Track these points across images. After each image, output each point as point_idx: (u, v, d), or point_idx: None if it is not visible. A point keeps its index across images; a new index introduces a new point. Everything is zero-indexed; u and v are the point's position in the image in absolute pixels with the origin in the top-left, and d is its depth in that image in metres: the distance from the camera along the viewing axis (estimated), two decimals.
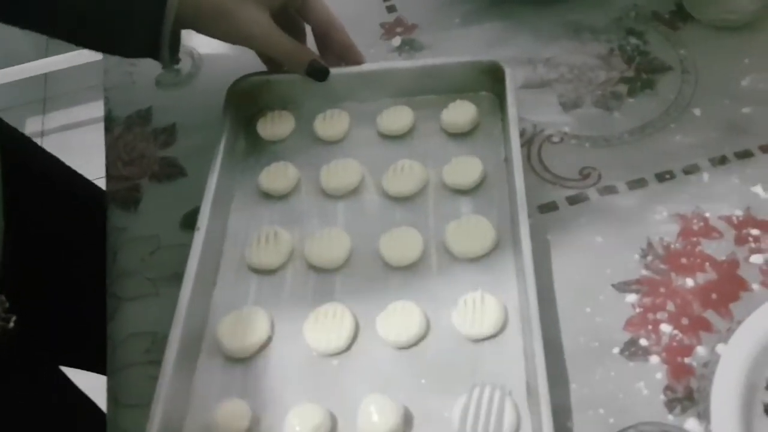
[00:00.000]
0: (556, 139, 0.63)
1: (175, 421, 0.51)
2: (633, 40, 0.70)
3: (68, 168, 0.81)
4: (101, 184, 0.84)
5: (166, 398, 0.49)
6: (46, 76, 2.38)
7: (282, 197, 0.63)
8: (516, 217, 0.54)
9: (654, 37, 0.70)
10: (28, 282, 0.63)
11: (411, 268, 0.57)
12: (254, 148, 0.67)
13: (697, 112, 0.63)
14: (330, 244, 0.58)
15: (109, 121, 0.74)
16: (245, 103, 0.68)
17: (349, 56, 0.66)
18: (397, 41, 0.76)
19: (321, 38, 0.66)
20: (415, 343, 0.53)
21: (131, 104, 0.75)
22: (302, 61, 0.64)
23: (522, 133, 0.63)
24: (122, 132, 0.73)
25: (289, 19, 0.66)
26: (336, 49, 0.66)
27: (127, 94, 0.76)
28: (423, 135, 0.65)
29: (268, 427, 0.50)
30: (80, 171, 0.84)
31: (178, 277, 0.55)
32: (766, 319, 0.49)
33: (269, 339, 0.55)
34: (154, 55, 0.62)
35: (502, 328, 0.52)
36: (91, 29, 0.59)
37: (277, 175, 0.63)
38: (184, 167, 0.69)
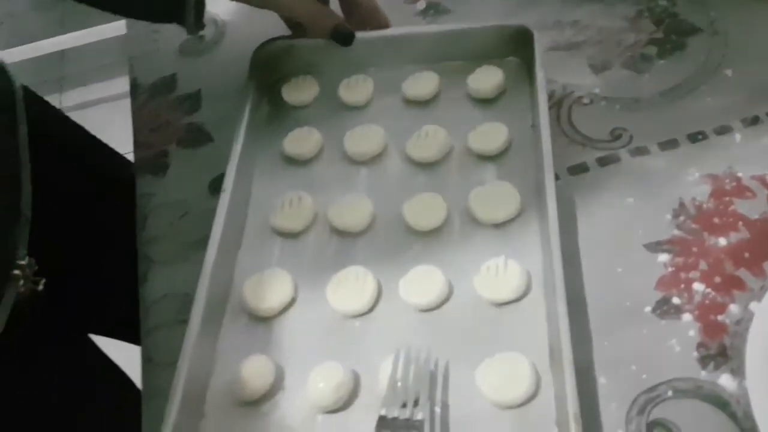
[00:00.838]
0: (585, 100, 0.63)
1: (201, 377, 0.52)
2: (662, 2, 0.69)
3: (94, 137, 0.81)
4: None
5: (192, 356, 0.50)
6: (63, 54, 2.39)
7: (305, 162, 0.63)
8: (542, 180, 0.54)
9: None
10: (56, 248, 0.64)
11: (434, 234, 0.57)
12: (278, 114, 0.67)
13: (728, 73, 0.62)
14: (353, 208, 0.58)
15: (134, 88, 0.74)
16: (269, 69, 0.68)
17: (374, 20, 0.66)
18: (421, 4, 0.75)
19: (346, 2, 0.66)
20: (437, 307, 0.53)
21: (155, 72, 0.75)
22: (327, 25, 0.64)
23: (551, 95, 0.63)
24: (147, 99, 0.73)
25: None
26: (361, 13, 0.66)
27: (152, 62, 0.76)
28: (448, 101, 0.65)
29: (292, 384, 0.51)
30: None
31: (207, 241, 0.56)
32: None
33: (292, 300, 0.55)
34: (179, 19, 0.62)
35: (525, 293, 0.52)
36: None
37: (301, 141, 0.63)
38: (210, 133, 0.69)
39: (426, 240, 0.56)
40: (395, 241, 0.57)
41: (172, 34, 0.77)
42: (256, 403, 0.51)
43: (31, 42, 2.21)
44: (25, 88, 0.66)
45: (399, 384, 0.48)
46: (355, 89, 0.66)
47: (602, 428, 0.47)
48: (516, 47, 0.64)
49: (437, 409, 0.48)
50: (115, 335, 0.83)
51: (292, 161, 0.63)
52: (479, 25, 0.65)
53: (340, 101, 0.66)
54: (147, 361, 0.55)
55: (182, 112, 0.71)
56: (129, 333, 0.76)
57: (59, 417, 0.64)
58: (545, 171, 0.54)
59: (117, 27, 2.16)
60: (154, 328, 0.57)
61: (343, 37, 0.64)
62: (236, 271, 0.57)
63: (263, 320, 0.55)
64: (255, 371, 0.51)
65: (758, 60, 0.62)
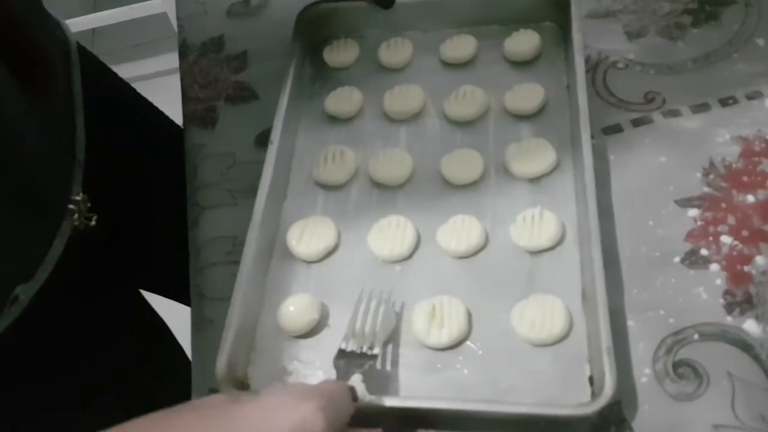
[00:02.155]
0: (621, 65, 0.65)
1: (252, 312, 0.55)
2: None
3: (145, 98, 0.85)
4: None
5: (245, 292, 0.54)
6: (93, 32, 2.42)
7: (347, 120, 0.66)
8: (578, 136, 0.56)
9: None
10: (108, 190, 0.67)
11: (471, 187, 0.59)
12: (320, 75, 0.70)
13: (760, 42, 0.64)
14: (393, 162, 0.61)
15: (183, 47, 0.77)
16: (313, 31, 0.71)
17: None
18: None
19: None
20: (474, 254, 0.55)
21: (204, 32, 0.78)
22: None
23: (587, 60, 0.65)
24: (197, 58, 0.76)
25: None
26: None
27: (200, 23, 0.79)
28: (485, 63, 0.67)
29: (335, 321, 0.54)
30: None
31: (253, 189, 0.59)
32: None
33: (336, 246, 0.58)
34: None
35: (560, 242, 0.55)
36: None
37: (342, 99, 0.66)
38: (256, 91, 0.72)
39: (463, 193, 0.59)
40: (434, 194, 0.60)
41: None
42: (303, 337, 0.54)
43: (65, 19, 2.25)
44: (78, 44, 0.69)
45: (359, 323, 0.51)
46: (395, 51, 0.69)
47: (631, 366, 0.49)
48: (553, 12, 0.66)
49: (390, 347, 0.52)
50: (164, 290, 0.86)
51: (334, 119, 0.66)
52: None
53: (379, 63, 0.69)
54: (199, 296, 0.58)
55: (230, 71, 0.74)
56: (177, 289, 0.79)
57: (103, 366, 0.67)
58: (581, 127, 0.56)
59: (148, 7, 2.20)
60: (205, 267, 0.60)
61: (384, 0, 0.67)
62: (282, 218, 0.61)
63: (308, 263, 0.58)
64: (302, 308, 0.54)
65: None
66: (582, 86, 0.58)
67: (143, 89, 0.81)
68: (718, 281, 0.52)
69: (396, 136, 0.64)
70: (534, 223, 0.55)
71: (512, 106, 0.62)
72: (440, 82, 0.66)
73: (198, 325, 0.57)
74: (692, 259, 0.53)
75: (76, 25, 2.27)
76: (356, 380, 0.46)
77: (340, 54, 0.70)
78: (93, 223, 0.60)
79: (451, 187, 0.60)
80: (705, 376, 0.48)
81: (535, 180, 0.58)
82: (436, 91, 0.65)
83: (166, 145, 0.75)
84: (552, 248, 0.54)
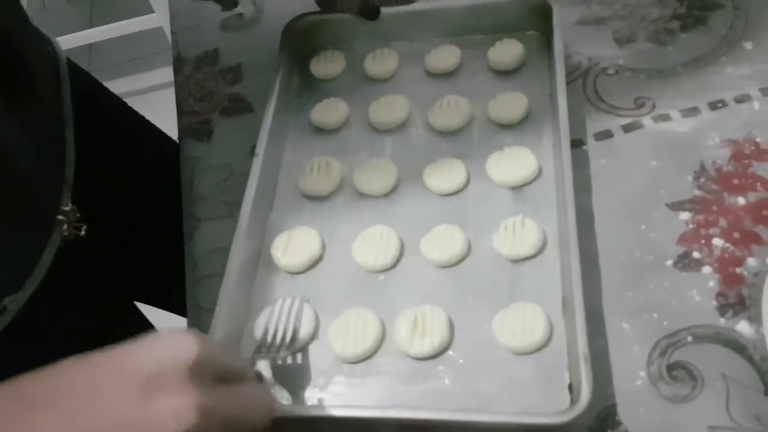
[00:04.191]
0: (611, 71, 0.66)
1: (237, 321, 0.55)
2: None
3: (137, 113, 0.85)
4: None
5: (228, 303, 0.54)
6: (90, 47, 2.44)
7: (333, 131, 0.67)
8: (559, 143, 0.56)
9: None
10: (99, 202, 0.67)
11: (455, 196, 0.60)
12: (307, 86, 0.71)
13: (748, 45, 0.65)
14: (377, 173, 0.62)
15: (178, 61, 0.78)
16: (300, 43, 0.72)
17: None
18: None
19: None
20: (457, 263, 0.56)
21: (198, 46, 0.79)
22: None
23: (577, 66, 0.66)
24: (192, 71, 0.77)
25: None
26: None
27: (194, 37, 0.80)
28: (470, 73, 0.68)
29: (321, 331, 0.55)
30: None
31: None
32: None
33: (320, 256, 0.59)
34: None
35: (541, 250, 0.55)
36: None
37: (329, 110, 0.67)
38: (251, 103, 0.72)
39: (447, 202, 0.60)
40: (418, 204, 0.60)
41: (212, 11, 0.81)
42: None
43: (60, 36, 2.26)
44: (69, 60, 0.70)
45: (270, 326, 0.53)
46: (381, 62, 0.70)
47: (624, 369, 0.50)
48: (536, 21, 0.67)
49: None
50: (157, 301, 0.86)
51: (320, 130, 0.67)
52: None
53: (365, 74, 0.70)
54: (195, 307, 0.59)
55: (225, 84, 0.74)
56: (170, 299, 0.80)
57: None
58: (561, 135, 0.56)
59: (144, 22, 2.21)
60: (201, 278, 0.60)
61: (370, 12, 0.68)
62: (269, 229, 0.61)
63: (293, 274, 0.58)
64: None
65: None
66: (563, 95, 0.59)
67: (140, 103, 0.81)
68: (711, 283, 0.52)
69: (381, 147, 0.65)
70: (516, 232, 0.55)
71: (496, 116, 0.63)
72: (425, 92, 0.67)
73: None
74: (685, 262, 0.54)
75: (73, 40, 2.28)
76: (263, 366, 0.49)
77: (327, 65, 0.71)
78: (82, 233, 0.61)
79: (434, 196, 0.60)
80: (699, 378, 0.49)
81: (517, 188, 0.59)
82: (421, 101, 0.66)
83: (158, 159, 0.76)
84: (534, 256, 0.55)
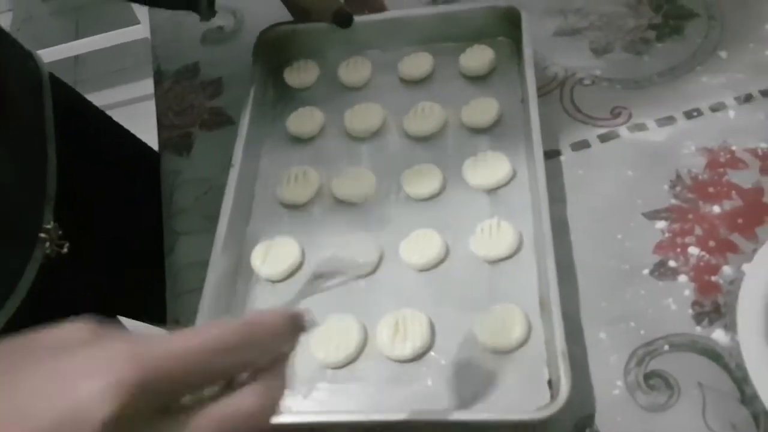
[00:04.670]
0: (587, 81, 0.66)
1: None
2: None
3: (121, 126, 0.85)
4: None
5: (209, 315, 0.54)
6: (76, 59, 2.43)
7: (309, 140, 0.67)
8: (531, 147, 0.57)
9: None
10: (81, 219, 0.67)
11: (431, 201, 0.61)
12: (282, 96, 0.72)
13: (723, 54, 0.65)
14: (355, 180, 0.62)
15: (158, 75, 0.78)
16: (273, 53, 0.72)
17: (372, 3, 0.69)
18: None
19: None
20: (435, 266, 0.57)
21: (179, 59, 0.79)
22: (329, 7, 0.67)
23: (554, 77, 0.67)
24: (172, 85, 0.77)
25: None
26: None
27: (175, 50, 0.80)
28: (442, 79, 0.69)
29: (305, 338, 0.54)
30: None
31: None
32: None
33: (300, 264, 0.59)
34: (193, 6, 0.66)
35: (517, 251, 0.56)
36: None
37: (304, 119, 0.67)
38: (231, 116, 0.72)
39: (424, 207, 0.61)
40: (395, 209, 0.61)
41: (192, 25, 0.81)
42: None
43: (47, 47, 2.26)
44: (51, 74, 0.70)
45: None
46: (354, 70, 0.70)
47: (602, 378, 0.50)
48: (506, 27, 0.68)
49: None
50: (141, 316, 0.86)
51: (296, 140, 0.68)
52: (471, 6, 0.69)
53: (339, 82, 0.71)
54: (175, 322, 0.58)
55: (205, 97, 0.74)
56: (154, 315, 0.79)
57: None
58: (534, 139, 0.57)
59: (130, 33, 2.21)
60: (181, 293, 0.60)
61: (343, 19, 0.68)
62: (247, 240, 0.62)
63: (273, 283, 0.58)
64: None
65: (752, 41, 0.66)
66: (534, 100, 0.60)
67: (128, 114, 0.81)
68: (687, 292, 0.53)
69: (358, 154, 0.66)
70: (492, 234, 0.56)
71: (469, 121, 0.64)
72: (399, 99, 0.68)
73: None
74: (661, 271, 0.54)
75: (59, 52, 2.28)
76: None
77: (301, 75, 0.72)
78: (65, 250, 0.60)
79: (412, 201, 0.61)
80: (676, 386, 0.49)
81: (492, 192, 0.60)
82: (395, 108, 0.67)
83: (142, 173, 0.76)
84: (510, 257, 0.56)
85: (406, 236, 0.58)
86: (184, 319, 0.58)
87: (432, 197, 0.60)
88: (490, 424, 0.48)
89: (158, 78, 0.78)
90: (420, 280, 0.56)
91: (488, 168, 0.60)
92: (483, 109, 0.63)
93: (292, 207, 0.63)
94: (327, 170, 0.64)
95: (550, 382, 0.49)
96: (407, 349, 0.52)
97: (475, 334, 0.52)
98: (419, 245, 0.57)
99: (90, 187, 0.68)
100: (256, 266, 0.58)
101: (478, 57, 0.67)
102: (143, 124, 0.85)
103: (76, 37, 2.37)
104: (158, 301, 0.63)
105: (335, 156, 0.65)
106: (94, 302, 0.72)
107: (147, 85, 1.04)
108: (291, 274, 0.58)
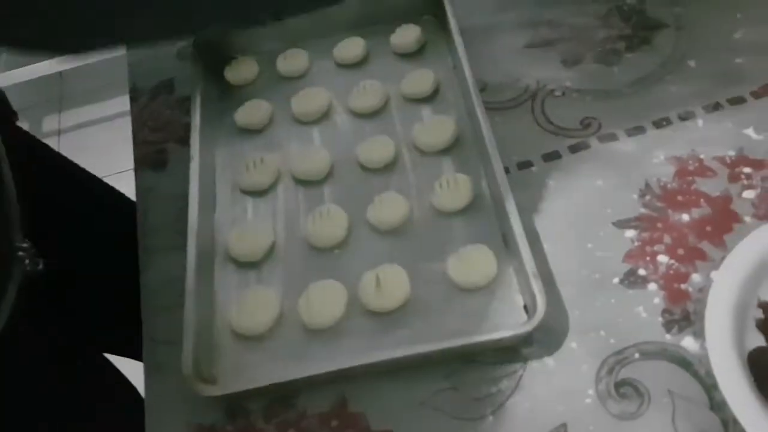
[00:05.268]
0: (558, 93, 0.67)
1: (205, 318, 0.57)
2: (630, 0, 0.73)
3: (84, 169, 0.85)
4: (119, 178, 0.89)
5: (195, 302, 0.56)
6: (61, 74, 2.43)
7: (260, 130, 0.70)
8: (472, 105, 0.62)
9: None
10: (53, 243, 0.67)
11: (389, 168, 0.64)
12: (228, 94, 0.74)
13: (692, 64, 0.66)
14: (312, 159, 0.65)
15: (134, 92, 0.78)
16: (210, 54, 0.75)
17: None
18: None
19: None
20: (403, 224, 0.60)
21: (155, 76, 0.79)
22: None
23: (525, 89, 0.67)
24: (148, 101, 0.77)
25: None
26: None
27: (150, 67, 0.80)
28: (377, 59, 0.73)
29: (290, 308, 0.57)
30: (98, 167, 0.88)
31: None
32: (756, 243, 0.52)
33: (273, 243, 0.61)
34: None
35: (476, 199, 0.60)
36: None
37: (252, 111, 0.70)
38: None
39: (382, 174, 0.64)
40: (356, 181, 0.64)
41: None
42: (260, 335, 0.56)
43: (31, 64, 2.25)
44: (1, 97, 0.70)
45: None
46: (292, 61, 0.74)
47: (573, 387, 0.50)
48: (429, 6, 0.73)
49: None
50: (125, 351, 0.85)
51: (248, 131, 0.70)
52: None
53: (280, 74, 0.74)
54: (150, 340, 0.58)
55: (182, 113, 0.74)
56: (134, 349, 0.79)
57: (57, 411, 0.66)
58: (473, 96, 0.62)
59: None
60: (156, 310, 0.60)
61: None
62: (216, 228, 0.64)
63: (251, 264, 0.60)
64: (260, 301, 0.57)
65: (720, 51, 0.67)
66: (465, 63, 0.64)
67: (114, 129, 0.81)
68: (657, 300, 0.53)
69: (310, 137, 0.69)
70: (450, 187, 0.60)
71: (409, 92, 0.68)
72: (340, 82, 0.71)
73: (150, 370, 0.57)
74: (631, 279, 0.54)
75: (44, 68, 2.28)
76: None
77: (241, 72, 0.74)
78: (41, 267, 0.60)
79: (370, 171, 0.64)
80: (646, 394, 0.49)
81: (444, 152, 0.64)
82: (338, 91, 0.70)
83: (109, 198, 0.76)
84: (471, 205, 0.59)
85: (371, 202, 0.61)
86: (159, 337, 0.58)
87: (389, 165, 0.64)
88: (475, 348, 0.51)
89: (134, 95, 0.78)
90: (391, 240, 0.60)
91: (436, 130, 0.64)
92: (420, 80, 0.68)
93: (256, 193, 0.65)
94: (283, 155, 0.67)
95: (525, 307, 0.53)
96: (392, 300, 0.55)
97: (450, 276, 0.55)
98: (385, 208, 0.60)
99: (58, 206, 0.68)
100: (234, 250, 0.60)
101: (407, 35, 0.72)
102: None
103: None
104: (136, 319, 0.63)
105: (289, 141, 0.68)
106: (76, 325, 0.72)
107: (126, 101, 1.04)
108: (267, 254, 0.60)
